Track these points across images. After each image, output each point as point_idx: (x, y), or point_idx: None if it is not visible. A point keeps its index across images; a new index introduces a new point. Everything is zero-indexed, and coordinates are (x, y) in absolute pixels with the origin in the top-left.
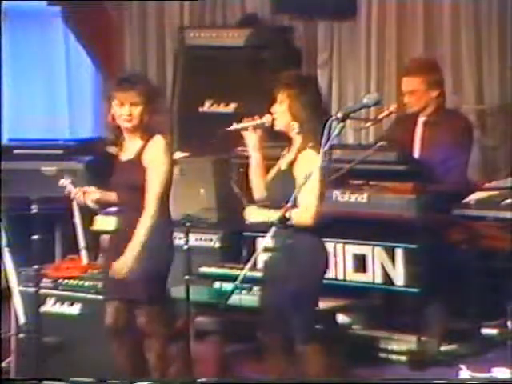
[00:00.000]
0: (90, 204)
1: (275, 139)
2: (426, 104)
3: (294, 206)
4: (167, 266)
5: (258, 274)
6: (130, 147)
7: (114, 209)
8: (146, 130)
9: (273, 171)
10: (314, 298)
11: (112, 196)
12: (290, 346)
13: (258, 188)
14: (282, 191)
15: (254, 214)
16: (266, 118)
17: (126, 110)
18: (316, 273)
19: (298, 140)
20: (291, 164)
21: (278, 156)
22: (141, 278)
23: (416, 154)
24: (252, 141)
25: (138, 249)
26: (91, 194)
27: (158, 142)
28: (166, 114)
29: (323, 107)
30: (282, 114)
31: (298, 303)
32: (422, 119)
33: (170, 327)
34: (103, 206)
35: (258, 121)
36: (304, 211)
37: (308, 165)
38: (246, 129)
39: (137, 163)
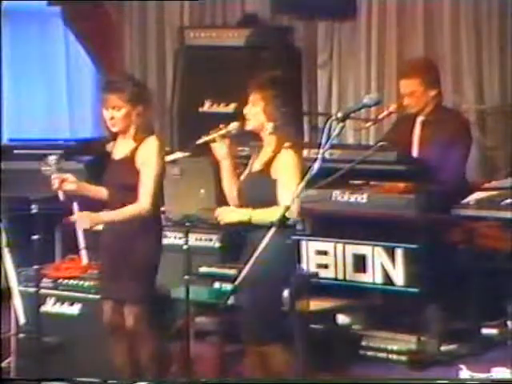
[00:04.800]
0: (62, 194)
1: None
2: (425, 104)
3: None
4: (155, 266)
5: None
6: (122, 147)
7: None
8: (138, 132)
9: (244, 174)
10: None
11: (91, 191)
12: (289, 346)
13: (232, 195)
14: (259, 192)
15: (227, 215)
16: (232, 126)
17: (108, 114)
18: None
19: (271, 140)
20: (267, 164)
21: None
22: (128, 277)
23: (414, 153)
24: (220, 150)
25: (109, 218)
26: (68, 184)
27: (151, 144)
28: (156, 115)
29: (298, 107)
30: (255, 115)
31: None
32: (420, 119)
33: (159, 327)
34: (80, 198)
35: (223, 130)
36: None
37: (286, 165)
38: (213, 140)
39: (129, 163)
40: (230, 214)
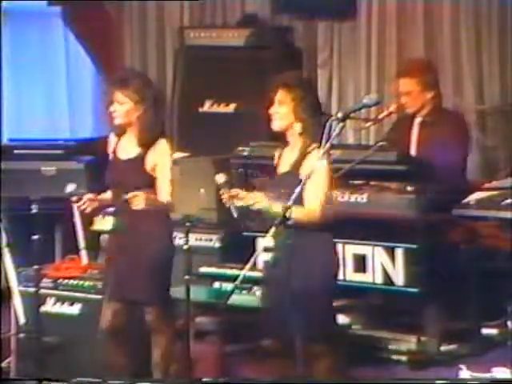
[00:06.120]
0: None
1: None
2: (422, 105)
3: (297, 205)
4: (168, 266)
5: (258, 274)
6: (128, 147)
7: (111, 208)
8: (142, 132)
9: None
10: (322, 298)
11: (107, 199)
12: (291, 347)
13: None
14: (289, 193)
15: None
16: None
17: (112, 107)
18: (321, 272)
19: (299, 141)
20: (296, 165)
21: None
22: (142, 278)
23: (413, 154)
24: None
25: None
26: (92, 203)
27: (163, 148)
28: (163, 115)
29: (321, 107)
30: (283, 115)
31: (299, 303)
32: (418, 120)
33: (172, 327)
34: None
35: None
36: (309, 211)
37: (318, 166)
38: None
39: (137, 165)
40: (265, 201)
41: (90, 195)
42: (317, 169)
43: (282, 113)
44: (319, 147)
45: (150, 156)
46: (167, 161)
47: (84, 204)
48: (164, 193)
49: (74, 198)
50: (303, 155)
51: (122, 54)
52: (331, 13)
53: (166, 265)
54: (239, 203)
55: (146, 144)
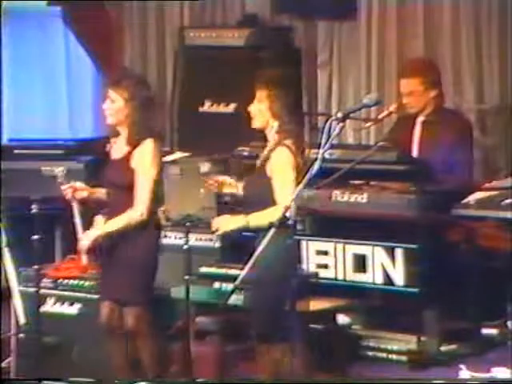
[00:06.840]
0: (76, 203)
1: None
2: (424, 104)
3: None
4: (153, 267)
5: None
6: (119, 146)
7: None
8: (131, 131)
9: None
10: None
11: (101, 194)
12: (291, 346)
13: None
14: (255, 191)
15: (225, 224)
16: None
17: (105, 104)
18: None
19: (274, 139)
20: (264, 162)
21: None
22: (126, 278)
23: (415, 154)
24: None
25: (107, 230)
26: (80, 192)
27: (146, 148)
28: (156, 117)
29: (301, 107)
30: (260, 112)
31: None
32: (420, 119)
33: (157, 327)
34: (92, 203)
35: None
36: (273, 210)
37: (279, 162)
38: None
39: (124, 164)
40: (227, 223)
41: (76, 184)
42: (277, 165)
43: (259, 110)
44: (288, 145)
45: (134, 156)
46: (148, 162)
47: (66, 190)
48: (141, 196)
49: (59, 180)
50: (271, 152)
51: (122, 54)
52: (331, 13)
53: (150, 265)
54: None
55: (134, 143)
